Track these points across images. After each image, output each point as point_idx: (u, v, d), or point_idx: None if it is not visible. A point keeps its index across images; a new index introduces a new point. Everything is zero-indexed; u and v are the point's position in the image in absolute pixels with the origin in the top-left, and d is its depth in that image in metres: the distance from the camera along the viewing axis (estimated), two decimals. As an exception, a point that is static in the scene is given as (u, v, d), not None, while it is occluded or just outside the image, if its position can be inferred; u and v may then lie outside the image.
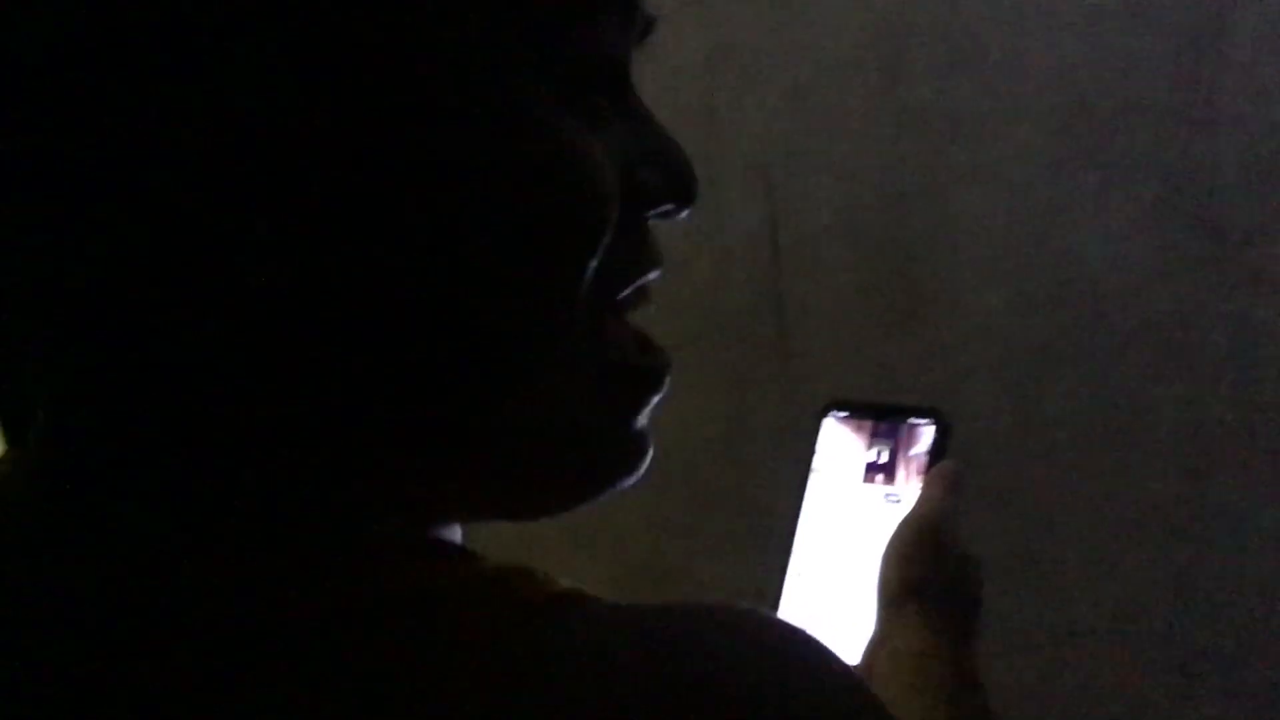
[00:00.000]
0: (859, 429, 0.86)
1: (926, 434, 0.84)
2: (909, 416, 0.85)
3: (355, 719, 0.36)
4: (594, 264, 0.43)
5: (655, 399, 0.49)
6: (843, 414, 0.86)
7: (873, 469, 0.84)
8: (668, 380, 0.50)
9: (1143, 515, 1.63)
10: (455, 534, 0.48)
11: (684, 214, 0.48)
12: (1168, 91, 1.46)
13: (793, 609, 0.84)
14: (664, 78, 1.63)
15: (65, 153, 0.39)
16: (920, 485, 0.82)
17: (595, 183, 0.42)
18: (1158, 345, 1.55)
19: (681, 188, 0.47)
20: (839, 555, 0.83)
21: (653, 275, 0.48)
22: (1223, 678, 1.64)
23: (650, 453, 0.49)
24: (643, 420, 0.49)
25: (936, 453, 0.83)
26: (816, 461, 0.86)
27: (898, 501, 0.82)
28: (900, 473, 0.84)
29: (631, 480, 0.49)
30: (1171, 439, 1.58)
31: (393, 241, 0.40)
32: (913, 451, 0.84)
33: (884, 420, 0.85)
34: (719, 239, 1.66)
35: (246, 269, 0.40)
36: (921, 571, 0.76)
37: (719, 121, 1.62)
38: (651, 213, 0.47)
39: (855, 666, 0.77)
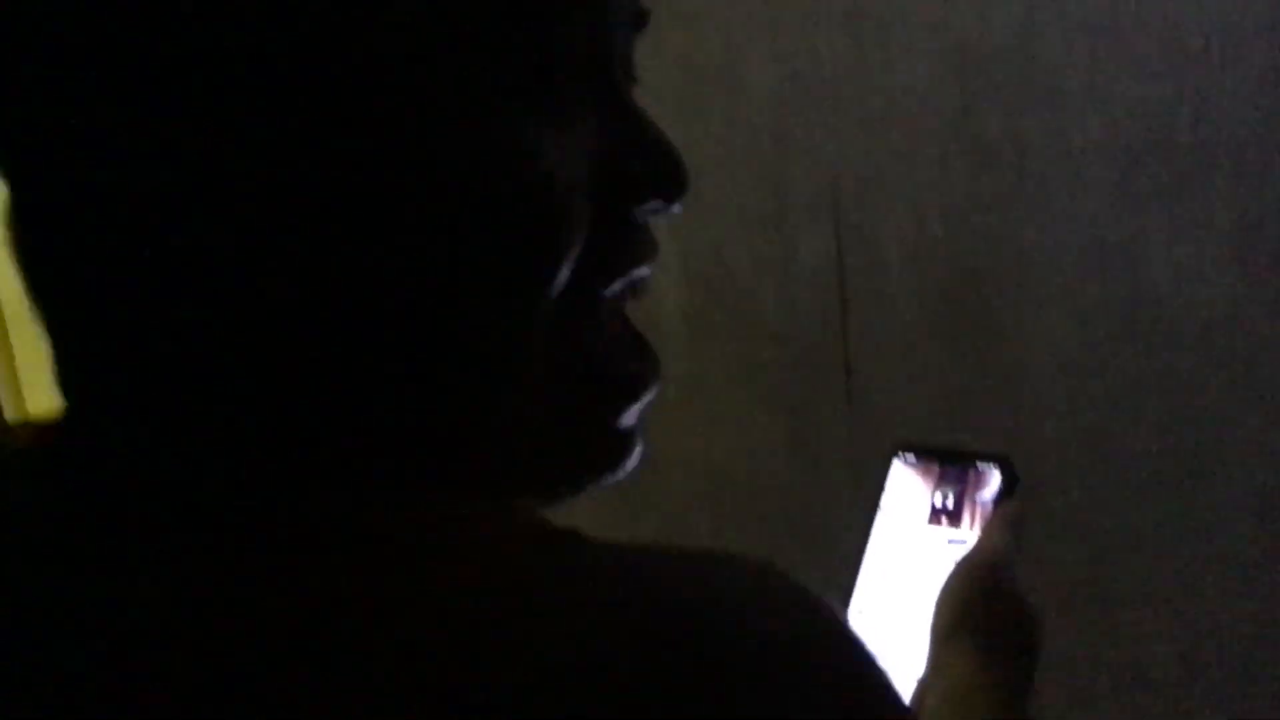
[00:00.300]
0: (926, 471, 0.87)
1: (993, 479, 0.85)
2: (976, 461, 0.85)
3: (335, 638, 0.37)
4: (563, 265, 0.43)
5: (637, 404, 0.49)
6: (911, 455, 0.87)
7: (938, 512, 0.85)
8: (651, 386, 0.50)
9: (1216, 556, 1.60)
10: None
11: (675, 208, 0.48)
12: (1244, 130, 1.44)
13: None
14: (736, 105, 1.63)
15: (85, 155, 0.40)
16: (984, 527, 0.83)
17: (550, 181, 0.42)
18: (1231, 383, 1.53)
19: (668, 180, 0.47)
20: (901, 596, 0.84)
21: (644, 270, 0.49)
22: (1294, 727, 1.60)
23: (636, 450, 0.50)
24: (627, 421, 0.49)
25: (1002, 499, 0.84)
26: (883, 501, 0.87)
27: (962, 545, 0.83)
28: (965, 517, 0.84)
29: (616, 477, 0.50)
30: (1245, 479, 1.56)
31: (365, 247, 0.41)
32: (979, 496, 0.85)
33: (951, 464, 0.86)
34: (787, 267, 1.66)
35: (249, 274, 0.41)
36: (974, 610, 0.76)
37: (790, 150, 1.62)
38: (641, 207, 0.47)
39: (908, 701, 0.77)
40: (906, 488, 0.87)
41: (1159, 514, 1.61)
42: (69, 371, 0.45)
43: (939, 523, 0.85)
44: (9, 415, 1.77)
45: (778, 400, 1.72)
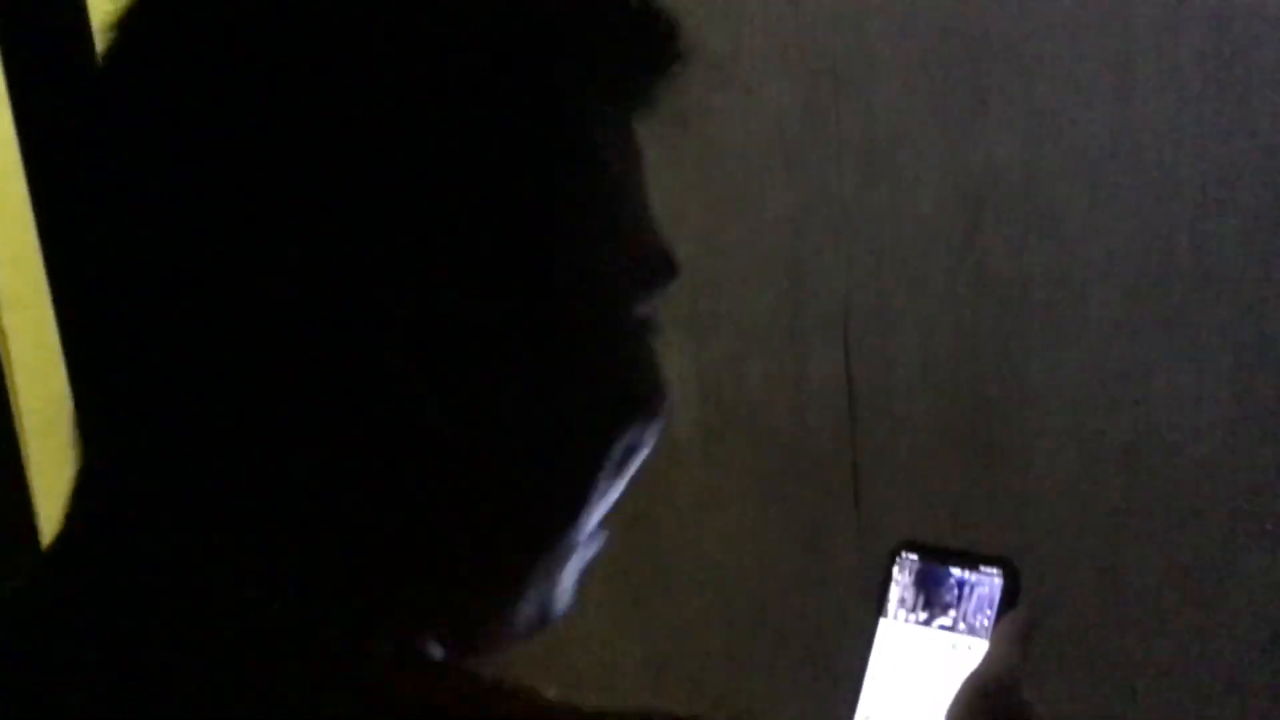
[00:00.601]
0: (929, 573, 0.86)
1: (996, 582, 0.84)
2: (979, 564, 0.84)
3: None
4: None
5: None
6: (913, 556, 0.86)
7: (941, 614, 0.85)
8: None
9: (1224, 683, 1.60)
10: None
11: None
12: (1241, 264, 1.48)
13: None
14: (753, 230, 1.70)
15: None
16: (988, 635, 0.82)
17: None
18: (1234, 512, 1.54)
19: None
20: (905, 701, 0.84)
21: None
22: None
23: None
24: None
25: (1006, 601, 0.83)
26: (885, 603, 0.86)
27: (968, 650, 0.82)
28: (968, 621, 0.84)
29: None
30: (1250, 606, 1.56)
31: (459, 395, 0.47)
32: (982, 599, 0.84)
33: (954, 566, 0.85)
34: (798, 384, 1.71)
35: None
36: None
37: (803, 273, 1.68)
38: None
39: None
40: (909, 589, 0.86)
41: (1164, 642, 1.61)
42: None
43: (942, 626, 0.84)
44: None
45: (789, 513, 1.76)
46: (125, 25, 0.48)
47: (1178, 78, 1.47)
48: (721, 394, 1.74)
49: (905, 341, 1.65)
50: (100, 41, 0.48)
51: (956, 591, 0.84)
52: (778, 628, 1.80)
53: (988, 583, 0.84)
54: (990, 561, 0.84)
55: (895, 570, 0.86)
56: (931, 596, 0.86)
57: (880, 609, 0.86)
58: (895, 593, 0.85)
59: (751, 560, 1.79)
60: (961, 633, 0.83)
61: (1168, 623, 1.60)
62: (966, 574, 0.85)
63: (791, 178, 1.66)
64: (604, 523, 0.56)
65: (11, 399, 1.52)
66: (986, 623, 0.82)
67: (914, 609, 0.85)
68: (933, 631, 0.84)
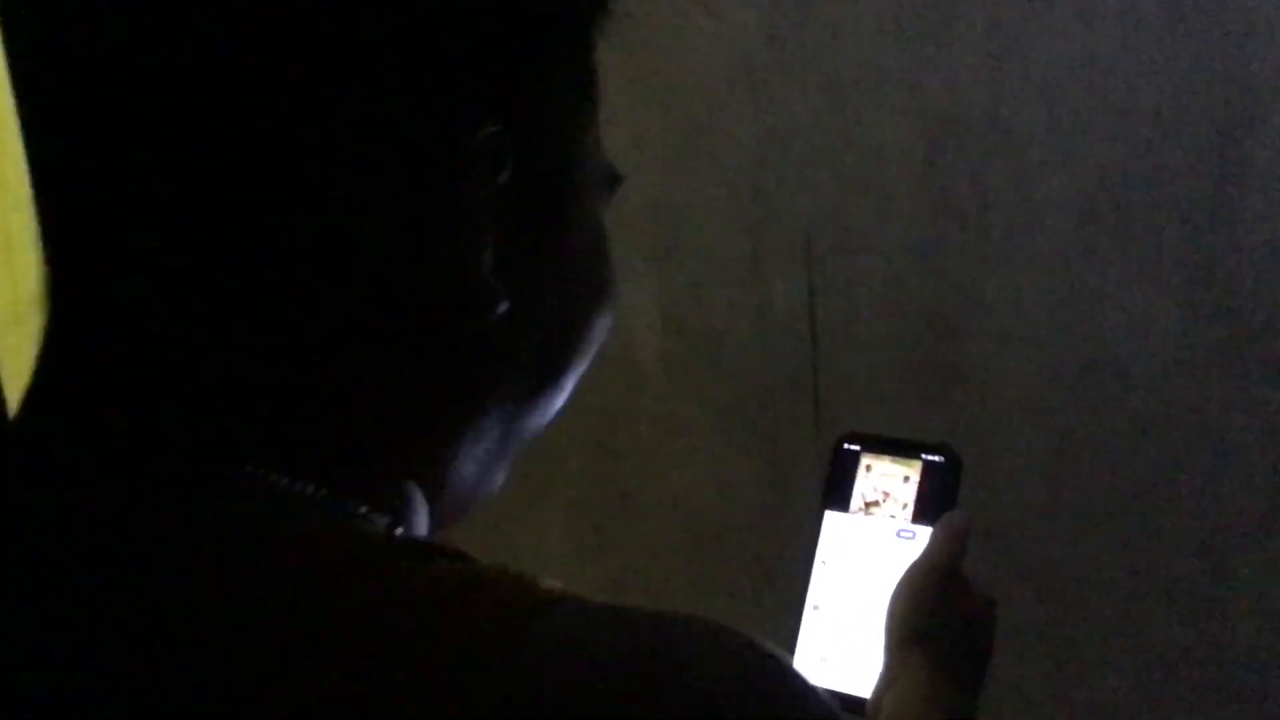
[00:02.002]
0: (873, 461, 0.89)
1: (939, 469, 0.87)
2: (922, 452, 0.88)
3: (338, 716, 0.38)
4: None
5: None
6: (856, 447, 0.90)
7: (885, 502, 0.87)
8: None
9: (1164, 592, 1.67)
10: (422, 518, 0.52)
11: None
12: (1193, 188, 1.54)
13: (809, 640, 0.86)
14: (717, 158, 1.71)
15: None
16: (931, 521, 0.84)
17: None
18: (1181, 429, 1.61)
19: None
20: (852, 588, 0.85)
21: None
22: (1239, 756, 1.67)
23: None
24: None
25: (949, 488, 0.86)
26: (831, 494, 0.89)
27: (911, 537, 0.85)
28: (912, 508, 0.86)
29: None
30: (1192, 519, 1.64)
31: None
32: (925, 485, 0.86)
33: (898, 454, 0.88)
34: (761, 312, 1.74)
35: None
36: (929, 618, 0.79)
37: (766, 201, 1.70)
38: None
39: (866, 701, 0.80)
40: (853, 478, 0.88)
41: (1111, 553, 1.68)
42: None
43: (886, 513, 0.86)
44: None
45: (751, 439, 1.79)
46: None
47: (1137, 5, 1.51)
48: (684, 321, 1.76)
49: (867, 266, 1.69)
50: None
51: (901, 479, 0.87)
52: (740, 552, 1.83)
53: (931, 468, 0.87)
54: (932, 449, 0.88)
55: (840, 462, 0.90)
56: (875, 485, 0.88)
57: (826, 500, 0.89)
58: (841, 484, 0.89)
59: (713, 486, 1.82)
60: (905, 520, 0.86)
61: (1113, 534, 1.67)
62: (910, 461, 0.88)
63: (756, 105, 1.67)
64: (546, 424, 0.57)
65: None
66: (931, 509, 0.85)
67: (859, 498, 0.88)
68: (877, 520, 0.87)
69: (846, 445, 0.90)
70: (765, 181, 1.69)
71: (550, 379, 0.54)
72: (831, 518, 0.88)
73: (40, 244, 0.47)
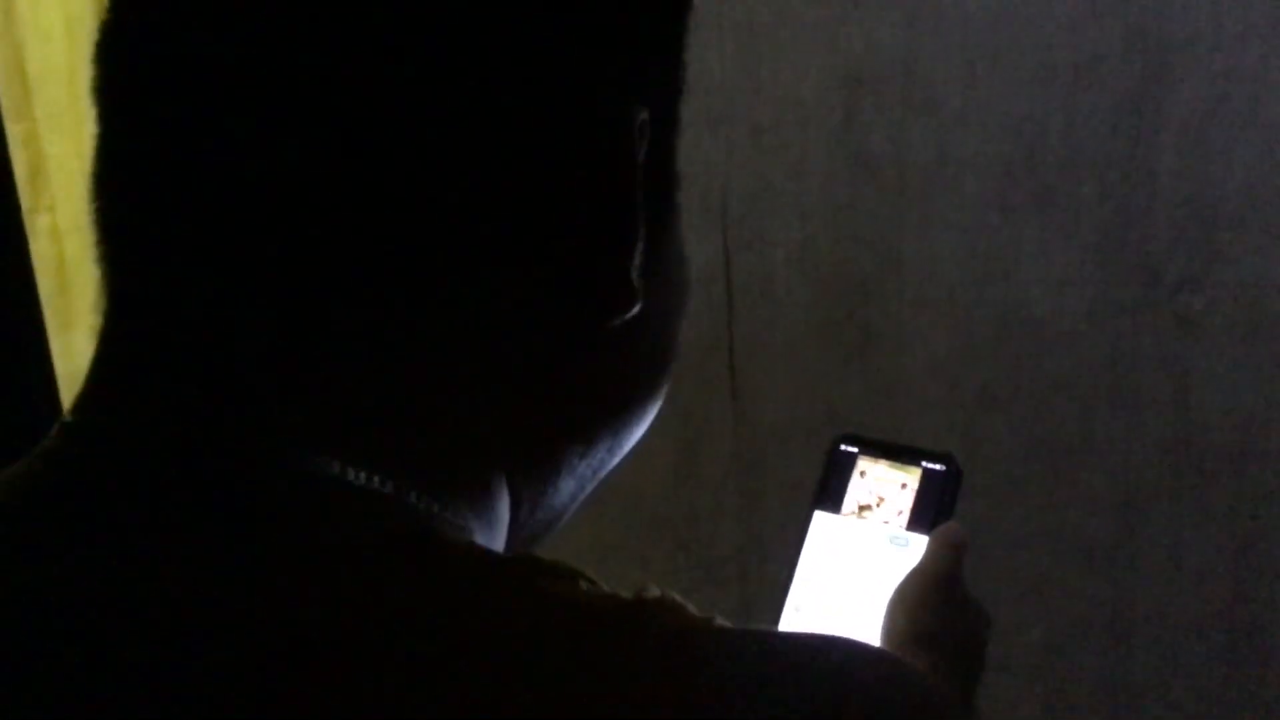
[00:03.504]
0: (870, 466, 0.85)
1: (938, 478, 0.83)
2: (923, 459, 0.84)
3: None
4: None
5: None
6: (854, 449, 0.85)
7: (879, 508, 0.84)
8: None
9: (1076, 550, 1.69)
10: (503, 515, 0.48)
11: None
12: (1109, 146, 1.54)
13: None
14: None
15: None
16: (928, 535, 0.81)
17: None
18: (1092, 386, 1.62)
19: None
20: (838, 591, 0.82)
21: None
22: (1151, 710, 1.70)
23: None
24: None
25: (948, 498, 0.83)
26: (822, 495, 0.85)
27: (905, 545, 0.82)
28: (908, 515, 0.83)
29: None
30: (1104, 476, 1.65)
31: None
32: (923, 493, 0.83)
33: (896, 460, 0.84)
34: (676, 274, 1.70)
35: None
36: (930, 624, 0.76)
37: (681, 158, 1.66)
38: None
39: None
40: (847, 480, 0.85)
41: (1026, 510, 1.69)
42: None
43: (880, 519, 0.84)
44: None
45: (665, 403, 1.75)
46: None
47: (1056, -40, 1.50)
48: (596, 284, 1.71)
49: (783, 225, 1.66)
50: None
51: (898, 486, 0.84)
52: (653, 518, 1.80)
53: (931, 476, 0.83)
54: (933, 457, 0.84)
55: (834, 463, 0.86)
56: (871, 489, 0.85)
57: (816, 501, 0.85)
58: (834, 485, 0.85)
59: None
60: (899, 527, 0.83)
61: (1029, 493, 1.68)
62: (909, 468, 0.84)
63: (668, 61, 1.63)
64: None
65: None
66: (928, 517, 0.82)
67: (852, 502, 0.84)
68: (870, 524, 0.83)
69: (843, 446, 0.86)
70: (680, 138, 1.64)
71: (653, 390, 0.50)
72: (821, 518, 0.85)
73: (97, 242, 0.43)
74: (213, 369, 0.40)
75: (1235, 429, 1.58)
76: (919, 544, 0.81)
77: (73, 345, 1.64)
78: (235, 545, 0.38)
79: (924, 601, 0.76)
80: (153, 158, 0.41)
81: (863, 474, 0.85)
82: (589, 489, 0.52)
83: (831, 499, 0.85)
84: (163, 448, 0.40)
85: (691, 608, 0.40)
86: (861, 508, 0.84)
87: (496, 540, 0.46)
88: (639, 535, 1.81)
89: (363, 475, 0.40)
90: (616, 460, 0.52)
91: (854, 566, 0.83)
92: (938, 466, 0.83)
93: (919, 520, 0.82)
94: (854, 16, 1.57)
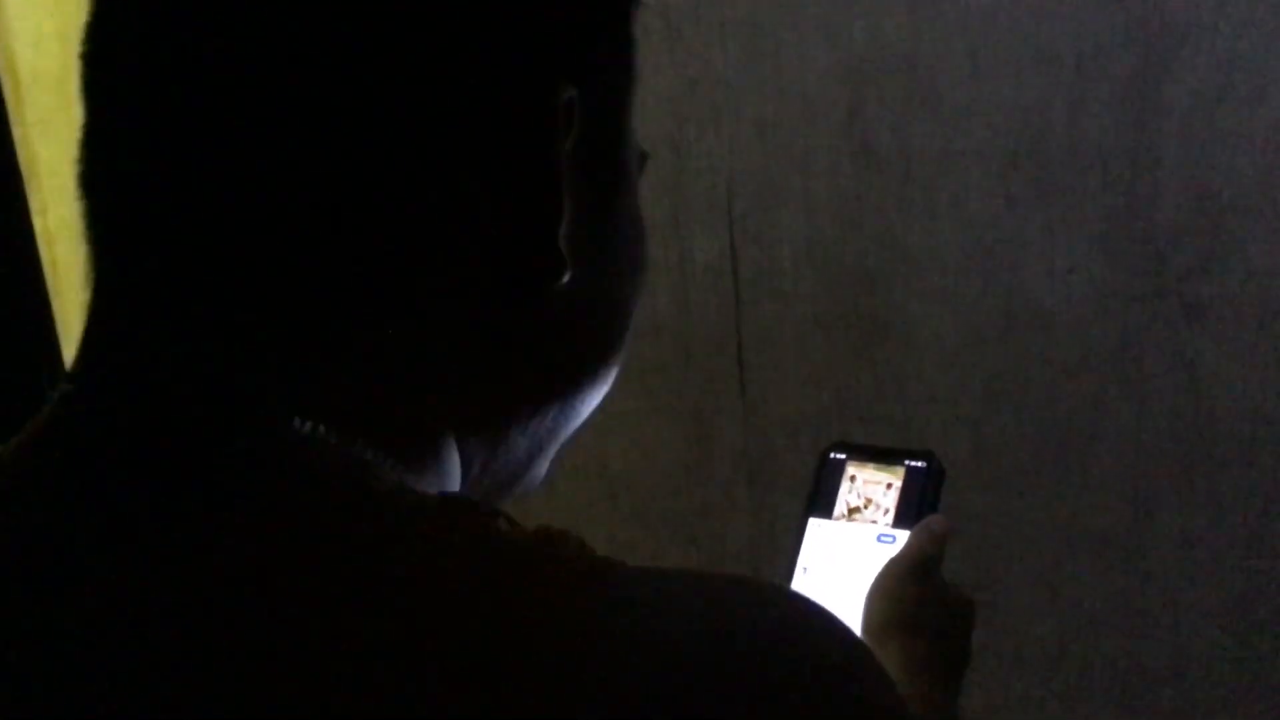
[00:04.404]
0: (858, 470, 0.89)
1: (920, 475, 0.87)
2: (905, 459, 0.88)
3: (399, 676, 0.37)
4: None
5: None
6: (842, 455, 0.90)
7: (868, 509, 0.87)
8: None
9: (1087, 541, 1.69)
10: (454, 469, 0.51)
11: None
12: (1113, 135, 1.54)
13: None
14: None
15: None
16: (911, 529, 0.84)
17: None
18: (1101, 376, 1.62)
19: None
20: (833, 593, 0.84)
21: None
22: (1165, 699, 1.69)
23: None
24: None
25: (930, 494, 0.87)
26: (815, 502, 0.89)
27: (891, 541, 0.85)
28: (893, 513, 0.86)
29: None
30: (1114, 466, 1.65)
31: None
32: (908, 491, 0.87)
33: (882, 462, 0.89)
34: (682, 267, 1.71)
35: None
36: (905, 610, 0.78)
37: (685, 154, 1.67)
38: None
39: None
40: (838, 486, 0.89)
41: (1037, 500, 1.69)
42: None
43: (868, 518, 0.87)
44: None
45: (673, 398, 1.76)
46: None
47: (1056, -50, 1.51)
48: (604, 280, 1.72)
49: (789, 220, 1.66)
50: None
51: (884, 486, 0.88)
52: (664, 513, 1.81)
53: (913, 474, 0.88)
54: (915, 455, 0.89)
55: (825, 470, 0.90)
56: (859, 492, 0.89)
57: (809, 508, 0.89)
58: (825, 491, 0.89)
59: (636, 448, 1.79)
60: (886, 525, 0.86)
61: (1038, 484, 1.68)
62: (893, 468, 0.88)
63: (674, 56, 1.64)
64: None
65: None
66: (912, 514, 0.86)
67: (842, 505, 0.88)
68: (859, 525, 0.87)
69: (833, 454, 0.91)
70: (685, 134, 1.65)
71: (603, 358, 0.54)
72: (815, 524, 0.89)
73: (84, 224, 0.47)
74: (191, 339, 0.45)
75: (1245, 416, 1.58)
76: (904, 539, 0.84)
77: (67, 345, 1.66)
78: (208, 490, 0.42)
79: (901, 588, 0.78)
80: (136, 145, 0.45)
81: (852, 478, 0.89)
82: (549, 450, 0.55)
83: (823, 505, 0.89)
84: (147, 412, 0.44)
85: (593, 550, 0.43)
86: (851, 510, 0.88)
87: (446, 488, 0.50)
88: (651, 531, 1.81)
89: (320, 429, 0.44)
90: (573, 424, 0.55)
91: (846, 567, 0.85)
92: (919, 464, 0.88)
93: (904, 517, 0.86)
94: (857, 10, 1.57)
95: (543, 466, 0.55)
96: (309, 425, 0.44)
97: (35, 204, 1.74)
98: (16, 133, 1.67)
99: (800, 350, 1.70)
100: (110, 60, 0.46)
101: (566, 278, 0.48)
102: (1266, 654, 1.64)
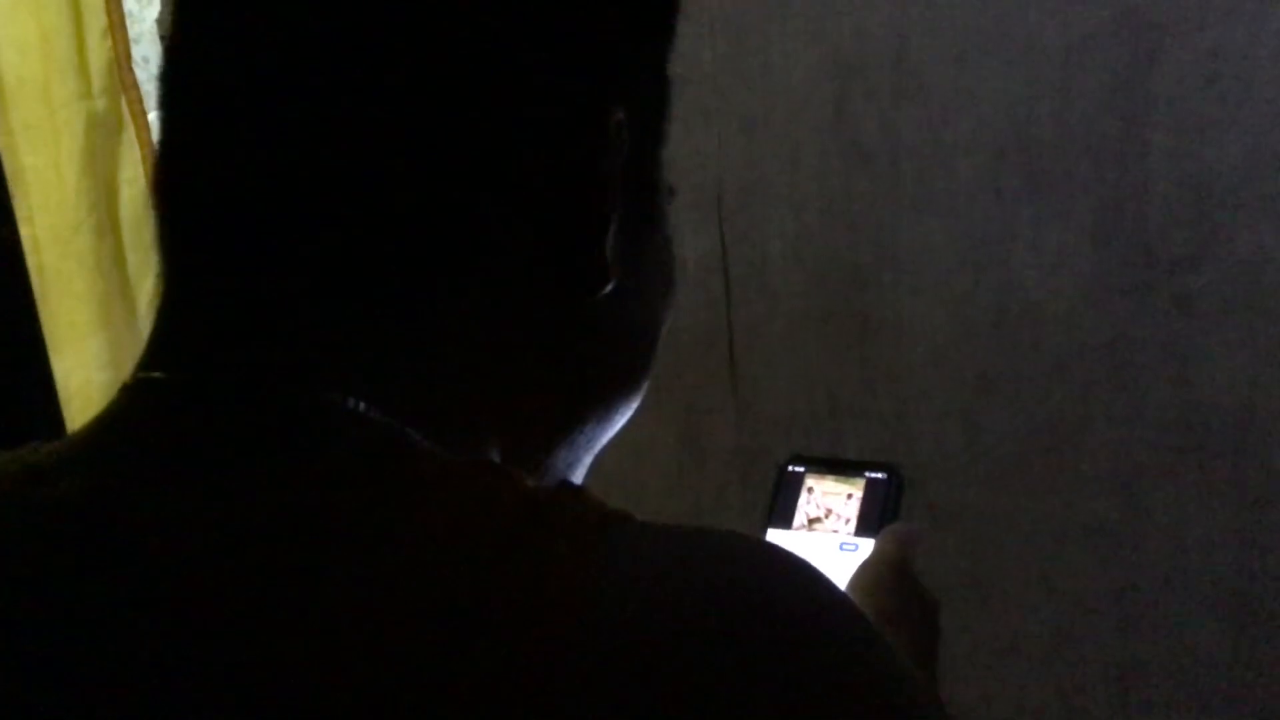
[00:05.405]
0: (816, 482, 0.89)
1: (881, 485, 0.88)
2: (864, 470, 0.89)
3: (409, 624, 0.39)
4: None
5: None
6: (800, 469, 0.90)
7: (829, 520, 0.88)
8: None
9: (1080, 532, 1.69)
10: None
11: None
12: (1101, 126, 1.54)
13: None
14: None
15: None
16: (873, 539, 0.84)
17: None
18: (1092, 366, 1.62)
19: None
20: None
21: None
22: (1159, 689, 1.70)
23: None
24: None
25: (892, 502, 0.87)
26: (773, 514, 0.89)
27: (854, 549, 0.85)
28: (855, 523, 0.87)
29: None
30: (1107, 457, 1.65)
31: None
32: (869, 502, 0.87)
33: (841, 474, 0.89)
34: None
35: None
36: (887, 603, 0.78)
37: (673, 152, 1.66)
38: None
39: None
40: (796, 498, 0.89)
41: (1030, 493, 1.69)
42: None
43: (829, 528, 0.87)
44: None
45: (666, 397, 1.75)
46: None
47: (1042, -57, 1.50)
48: (593, 280, 1.71)
49: (778, 217, 1.66)
50: None
51: (844, 497, 0.88)
52: (657, 512, 1.80)
53: (874, 485, 0.88)
54: (875, 467, 0.89)
55: (783, 483, 0.90)
56: (819, 503, 0.89)
57: (768, 520, 0.90)
58: (783, 504, 0.89)
59: (628, 448, 1.79)
60: (848, 534, 0.86)
61: (1031, 472, 1.68)
62: (853, 480, 0.89)
63: (658, 55, 1.63)
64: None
65: None
66: (874, 522, 0.86)
67: (801, 516, 0.89)
68: (820, 535, 0.87)
69: (791, 468, 0.92)
70: (672, 131, 1.64)
71: (638, 371, 0.56)
72: (774, 535, 0.90)
73: (154, 207, 0.51)
74: (258, 330, 0.48)
75: (1236, 407, 1.58)
76: (867, 547, 0.84)
77: (53, 350, 1.65)
78: (264, 457, 0.46)
79: (878, 585, 0.79)
80: (211, 157, 0.49)
81: (810, 490, 0.89)
82: (585, 460, 0.57)
83: (782, 517, 0.89)
84: (218, 396, 0.48)
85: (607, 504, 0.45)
86: (811, 521, 0.88)
87: None
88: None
89: (364, 407, 0.47)
90: (608, 435, 0.57)
91: None
92: (880, 476, 0.88)
93: (866, 526, 0.86)
94: (842, 6, 1.57)
95: (579, 475, 0.57)
96: (360, 404, 0.47)
97: (21, 211, 1.72)
98: (1, 141, 1.65)
99: (791, 347, 1.70)
100: (189, 80, 0.50)
101: (610, 287, 0.51)
102: (1261, 641, 1.65)
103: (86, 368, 1.79)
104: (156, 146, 0.51)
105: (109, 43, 1.77)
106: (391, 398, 0.47)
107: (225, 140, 0.49)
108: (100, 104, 1.78)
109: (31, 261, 1.69)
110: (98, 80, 1.78)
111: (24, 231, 1.69)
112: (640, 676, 0.38)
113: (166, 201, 0.51)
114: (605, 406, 0.56)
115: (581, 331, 0.53)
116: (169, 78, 0.51)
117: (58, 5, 1.72)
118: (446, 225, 0.48)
